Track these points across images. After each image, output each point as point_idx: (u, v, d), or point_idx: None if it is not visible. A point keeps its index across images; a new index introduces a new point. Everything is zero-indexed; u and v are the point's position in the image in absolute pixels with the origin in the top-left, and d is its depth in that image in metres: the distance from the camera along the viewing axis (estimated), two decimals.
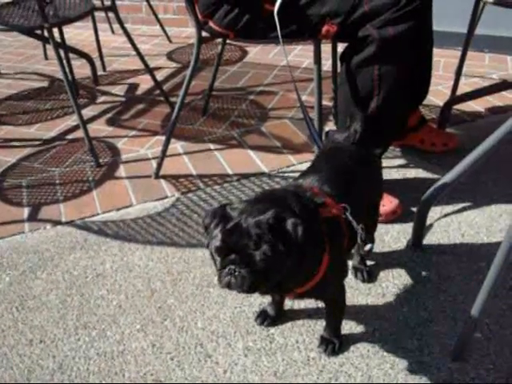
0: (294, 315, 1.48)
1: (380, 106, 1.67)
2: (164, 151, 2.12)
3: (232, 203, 1.14)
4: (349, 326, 1.42)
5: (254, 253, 1.05)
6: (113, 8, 2.59)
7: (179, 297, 1.56)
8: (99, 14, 3.79)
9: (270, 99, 2.76)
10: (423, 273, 1.59)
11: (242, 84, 2.97)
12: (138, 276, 1.64)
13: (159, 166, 2.13)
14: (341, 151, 1.42)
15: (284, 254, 1.06)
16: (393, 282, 1.56)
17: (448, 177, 1.62)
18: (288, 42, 1.72)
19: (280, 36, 1.62)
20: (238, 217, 1.07)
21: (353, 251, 1.57)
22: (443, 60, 3.06)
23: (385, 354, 1.34)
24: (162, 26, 3.73)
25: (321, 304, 1.48)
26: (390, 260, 1.64)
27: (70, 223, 1.91)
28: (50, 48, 3.26)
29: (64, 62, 2.72)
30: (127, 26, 2.69)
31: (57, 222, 1.91)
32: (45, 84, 3.13)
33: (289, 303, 1.50)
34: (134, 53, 2.70)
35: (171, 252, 1.73)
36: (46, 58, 3.50)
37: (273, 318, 1.46)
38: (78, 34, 3.99)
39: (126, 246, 1.77)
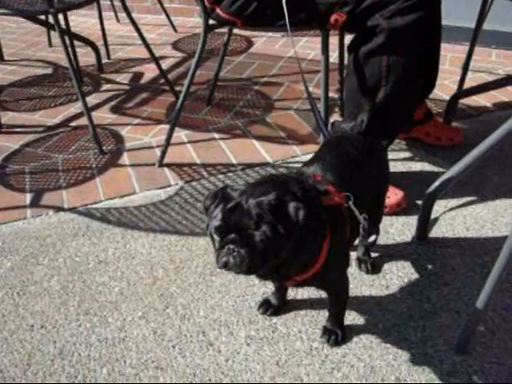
0: (297, 305, 1.47)
1: (387, 96, 1.66)
2: (168, 139, 2.10)
3: (233, 185, 1.13)
4: (352, 317, 1.42)
5: (254, 233, 1.04)
6: None
7: (182, 285, 1.55)
8: (104, 2, 3.78)
9: (275, 90, 2.74)
10: (427, 265, 1.58)
11: (248, 74, 2.95)
12: (140, 263, 1.64)
13: (163, 154, 2.12)
14: (345, 140, 1.41)
15: (284, 236, 1.05)
16: (397, 274, 1.55)
17: (453, 170, 1.61)
18: (296, 30, 1.70)
19: (288, 24, 1.61)
20: (238, 197, 1.07)
21: (357, 242, 1.57)
22: (450, 55, 3.04)
23: (388, 345, 1.33)
24: (167, 15, 3.71)
25: (324, 294, 1.47)
26: (394, 252, 1.63)
27: (73, 210, 1.90)
28: (54, 35, 3.24)
29: (69, 49, 2.71)
30: (133, 15, 2.67)
31: (59, 209, 1.91)
32: (49, 71, 3.12)
33: (292, 293, 1.49)
34: (139, 42, 2.68)
35: (174, 240, 1.73)
36: (51, 45, 3.48)
37: (276, 307, 1.45)
38: (83, 21, 3.98)
39: (128, 234, 1.76)
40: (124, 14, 2.69)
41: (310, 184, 1.17)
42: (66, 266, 1.64)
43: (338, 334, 1.35)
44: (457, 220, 1.76)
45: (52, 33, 3.35)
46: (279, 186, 1.10)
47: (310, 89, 2.63)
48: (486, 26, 2.46)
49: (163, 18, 3.79)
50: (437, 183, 1.63)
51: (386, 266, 1.58)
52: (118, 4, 3.34)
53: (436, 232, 1.71)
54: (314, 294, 1.49)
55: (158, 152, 2.18)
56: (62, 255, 1.68)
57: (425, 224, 1.67)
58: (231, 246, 1.05)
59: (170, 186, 2.01)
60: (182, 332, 1.40)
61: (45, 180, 2.08)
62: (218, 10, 1.81)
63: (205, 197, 1.15)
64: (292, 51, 3.19)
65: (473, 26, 2.37)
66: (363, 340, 1.35)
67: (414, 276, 1.54)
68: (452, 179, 1.61)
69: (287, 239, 1.05)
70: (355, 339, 1.36)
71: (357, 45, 1.66)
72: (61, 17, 2.68)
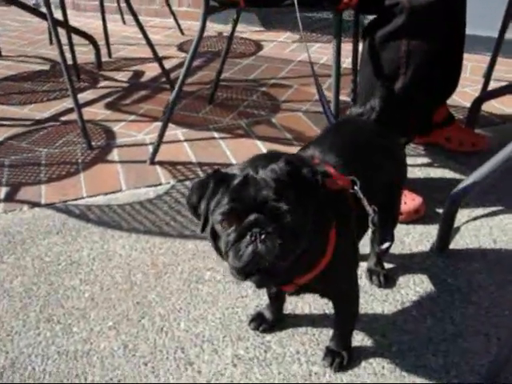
0: (296, 321, 1.25)
1: (406, 86, 1.46)
2: (161, 135, 1.91)
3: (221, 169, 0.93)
4: (360, 337, 1.19)
5: (279, 205, 0.84)
6: None
7: (162, 292, 1.34)
8: (111, 5, 3.65)
9: (283, 92, 2.56)
10: (449, 280, 1.35)
11: (255, 76, 2.77)
12: (117, 266, 1.43)
13: (155, 151, 1.93)
14: (350, 123, 1.21)
15: (308, 202, 0.88)
16: (414, 289, 1.33)
17: (478, 173, 1.41)
18: (304, 11, 1.52)
19: (296, 2, 1.42)
20: (242, 173, 0.87)
21: (368, 251, 1.35)
22: (470, 64, 2.84)
23: (403, 372, 1.10)
24: (175, 17, 3.57)
25: (328, 310, 1.26)
26: (410, 264, 1.41)
27: (50, 206, 1.70)
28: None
29: (67, 46, 2.55)
30: (140, 17, 2.52)
31: (35, 204, 1.71)
32: (46, 67, 2.96)
33: (290, 307, 1.28)
34: (143, 42, 2.51)
35: (159, 242, 1.52)
36: (51, 42, 3.33)
37: (270, 322, 1.23)
38: (88, 23, 3.84)
39: (108, 233, 1.56)
40: (130, 17, 2.54)
41: (311, 163, 0.97)
42: (33, 266, 1.44)
43: (343, 357, 1.12)
44: (482, 231, 1.54)
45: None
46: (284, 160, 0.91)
47: None
48: (507, 36, 2.32)
49: (171, 21, 3.65)
50: (460, 187, 1.42)
51: (401, 280, 1.36)
52: (124, 5, 3.24)
53: (459, 243, 1.49)
54: (316, 309, 1.27)
55: (151, 149, 1.99)
56: (31, 254, 1.48)
57: (447, 233, 1.45)
58: (256, 230, 0.84)
59: (160, 184, 1.81)
60: (157, 347, 1.18)
61: (24, 174, 1.89)
62: None
63: (188, 194, 0.94)
64: (302, 56, 3.02)
65: (491, 35, 2.24)
66: (374, 365, 1.12)
67: (434, 292, 1.32)
68: (477, 183, 1.41)
69: (311, 205, 0.88)
70: (364, 364, 1.13)
71: (373, 28, 1.47)
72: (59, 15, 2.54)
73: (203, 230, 0.93)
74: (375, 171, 1.11)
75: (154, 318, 1.26)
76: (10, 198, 1.75)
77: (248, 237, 0.84)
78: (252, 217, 0.84)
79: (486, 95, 2.12)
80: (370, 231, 1.25)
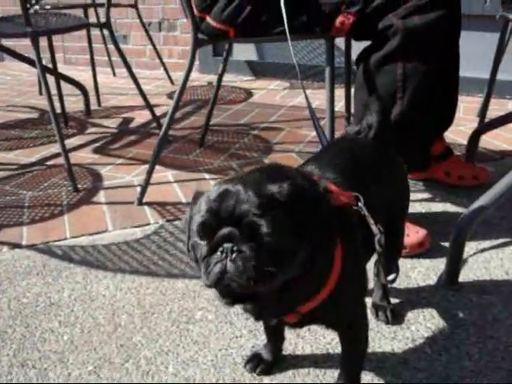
0: (297, 361, 1.13)
1: (404, 111, 1.40)
2: (149, 174, 1.84)
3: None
4: (370, 378, 1.07)
5: (259, 220, 0.73)
6: (107, 25, 2.41)
7: (149, 334, 1.21)
8: (101, 58, 3.68)
9: (275, 134, 2.51)
10: (462, 315, 1.24)
11: (246, 121, 2.74)
12: (100, 307, 1.31)
13: (143, 191, 1.85)
14: (348, 140, 1.15)
15: (306, 220, 0.77)
16: (424, 325, 1.21)
17: (485, 198, 1.34)
18: (296, 39, 1.49)
19: (287, 29, 1.39)
20: (225, 185, 0.78)
21: (372, 285, 1.25)
22: (462, 105, 2.84)
23: None
24: (165, 68, 3.59)
25: (331, 349, 1.14)
26: (418, 299, 1.31)
27: (31, 247, 1.60)
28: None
29: (56, 96, 2.52)
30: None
31: (16, 245, 1.61)
32: (34, 115, 2.93)
33: (290, 347, 1.16)
34: (132, 92, 2.50)
35: (146, 282, 1.41)
36: (41, 93, 3.32)
37: (268, 363, 1.10)
38: (79, 75, 3.82)
39: (91, 274, 1.44)
40: (121, 69, 2.54)
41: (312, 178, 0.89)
42: (9, 307, 1.32)
43: None
44: (492, 263, 1.44)
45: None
46: (280, 174, 0.83)
47: (314, 133, 2.39)
48: (499, 77, 2.35)
49: (161, 73, 3.67)
50: (466, 213, 1.35)
51: (409, 315, 1.25)
52: (115, 59, 3.27)
53: (469, 276, 1.39)
54: (318, 349, 1.15)
55: (139, 191, 1.90)
56: (7, 296, 1.36)
57: (456, 264, 1.36)
58: (227, 246, 0.74)
59: (148, 224, 1.72)
60: None
61: (5, 216, 1.79)
62: (209, 19, 1.60)
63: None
64: (293, 101, 3.01)
65: (481, 76, 2.36)
66: None
67: (447, 327, 1.21)
68: (484, 208, 1.34)
69: (310, 227, 0.77)
70: None
71: (367, 53, 1.43)
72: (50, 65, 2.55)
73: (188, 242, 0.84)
74: (376, 189, 1.03)
75: (139, 361, 1.13)
76: None
77: (219, 252, 0.75)
78: (225, 230, 0.75)
79: (483, 127, 2.09)
80: (372, 262, 1.16)
